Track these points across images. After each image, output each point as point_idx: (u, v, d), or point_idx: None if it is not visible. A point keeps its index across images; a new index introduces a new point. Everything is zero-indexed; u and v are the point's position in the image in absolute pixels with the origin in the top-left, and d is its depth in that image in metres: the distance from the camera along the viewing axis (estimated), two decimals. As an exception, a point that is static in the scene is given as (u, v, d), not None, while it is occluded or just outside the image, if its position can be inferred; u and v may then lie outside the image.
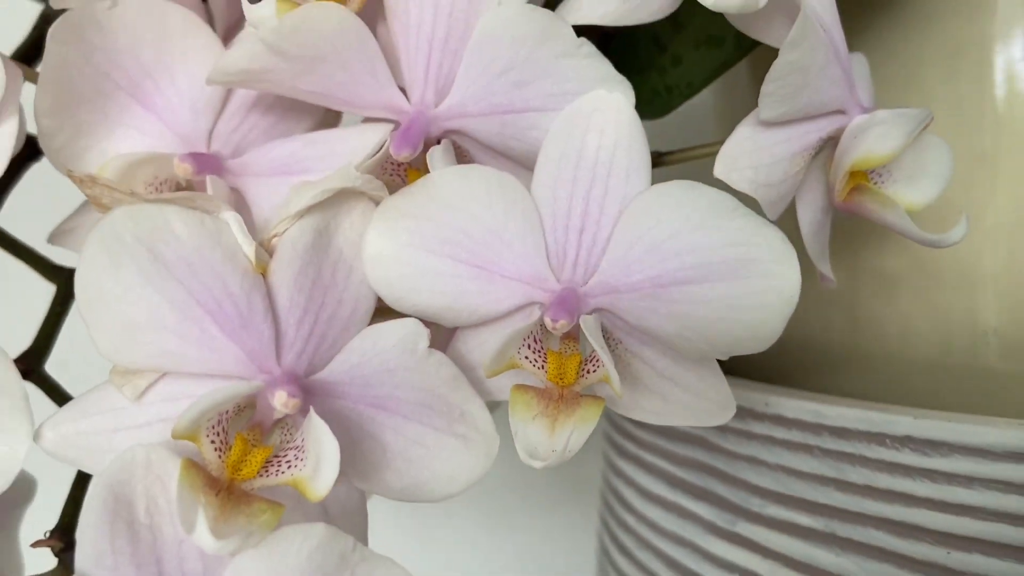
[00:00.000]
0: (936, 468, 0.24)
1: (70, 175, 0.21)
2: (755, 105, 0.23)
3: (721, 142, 0.24)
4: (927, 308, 0.32)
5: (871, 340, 0.33)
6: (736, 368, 0.29)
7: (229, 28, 0.27)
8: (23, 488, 0.30)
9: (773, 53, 0.22)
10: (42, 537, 0.23)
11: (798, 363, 0.35)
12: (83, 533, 0.18)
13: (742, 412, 0.29)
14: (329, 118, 0.27)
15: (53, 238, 0.26)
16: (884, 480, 0.25)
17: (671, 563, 0.32)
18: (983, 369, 0.31)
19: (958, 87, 0.31)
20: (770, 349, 0.29)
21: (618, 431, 0.37)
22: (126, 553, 0.18)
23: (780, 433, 0.27)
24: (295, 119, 0.26)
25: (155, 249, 0.20)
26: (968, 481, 0.24)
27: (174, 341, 0.20)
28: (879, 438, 0.25)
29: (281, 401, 0.19)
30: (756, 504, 0.28)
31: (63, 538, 0.23)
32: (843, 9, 0.25)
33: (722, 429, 0.29)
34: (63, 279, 0.27)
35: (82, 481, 0.24)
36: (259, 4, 0.22)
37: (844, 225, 0.30)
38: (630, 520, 0.35)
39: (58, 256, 0.27)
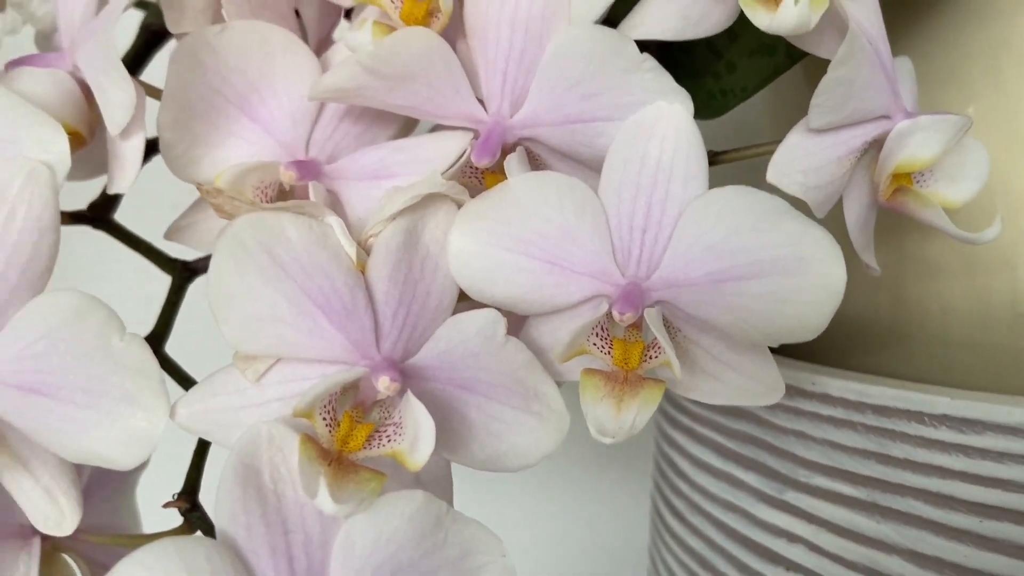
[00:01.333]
0: (970, 444, 0.26)
1: (198, 187, 0.24)
2: (805, 104, 0.25)
3: (772, 142, 0.26)
4: (968, 290, 0.33)
5: (915, 321, 0.35)
6: (788, 346, 0.32)
7: (320, 42, 0.30)
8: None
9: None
10: (170, 499, 0.26)
11: (847, 342, 0.37)
12: (220, 496, 0.21)
13: (790, 390, 0.31)
14: (410, 124, 0.29)
15: (169, 234, 0.30)
16: (922, 455, 0.27)
17: (722, 527, 0.34)
18: (1021, 349, 0.32)
19: (1000, 79, 0.32)
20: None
21: (671, 403, 0.40)
22: (256, 513, 0.21)
23: (826, 410, 0.30)
24: (381, 127, 0.28)
25: (273, 252, 0.23)
26: (1000, 456, 0.26)
27: (290, 332, 0.23)
28: (918, 416, 0.27)
29: (384, 385, 0.22)
30: (803, 475, 0.31)
31: (188, 500, 0.26)
32: (890, 9, 0.26)
33: (772, 406, 0.32)
34: (177, 270, 0.30)
35: (202, 450, 0.27)
36: (357, 31, 0.25)
37: (890, 213, 0.32)
38: (683, 486, 0.38)
39: (172, 250, 0.30)
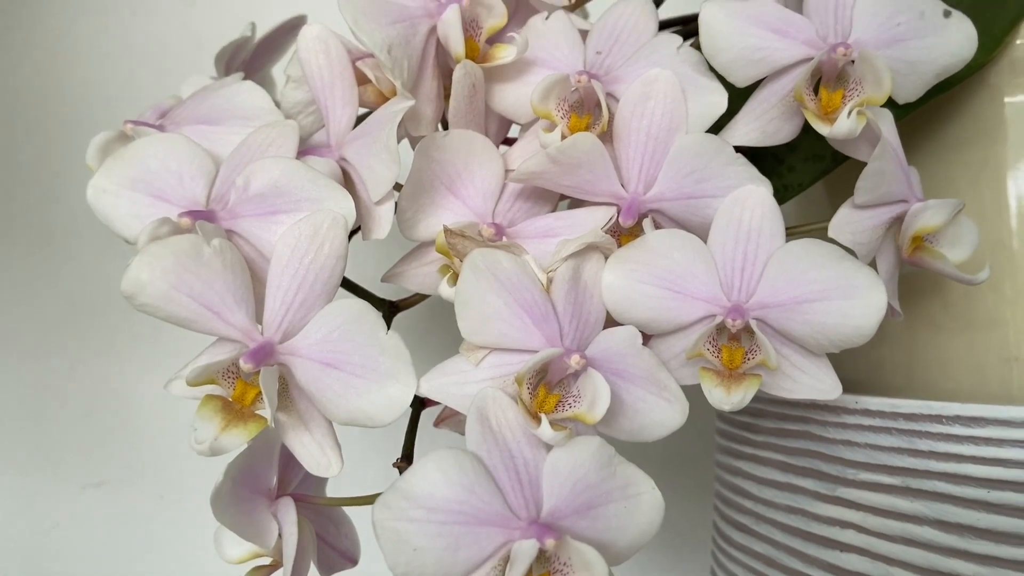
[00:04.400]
0: (977, 435, 0.36)
1: (445, 228, 0.35)
2: (830, 197, 0.36)
3: (818, 222, 0.37)
4: (964, 346, 0.44)
5: (921, 372, 0.45)
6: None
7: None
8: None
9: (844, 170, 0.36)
10: (395, 462, 0.36)
11: (870, 388, 0.47)
12: (468, 430, 0.31)
13: (838, 409, 0.41)
14: (557, 205, 0.41)
15: (386, 277, 0.40)
16: (942, 446, 0.37)
17: (785, 528, 0.43)
18: (1009, 396, 0.42)
19: (981, 193, 0.43)
20: (850, 383, 0.40)
21: (733, 439, 0.49)
22: (491, 442, 0.31)
23: (867, 421, 0.39)
24: (542, 205, 0.40)
25: (495, 272, 0.33)
26: (1000, 442, 0.35)
27: (507, 327, 0.33)
28: (937, 418, 0.37)
29: (575, 360, 0.32)
30: (851, 473, 0.40)
31: (408, 461, 0.36)
32: (901, 133, 0.38)
33: (823, 423, 0.41)
34: (386, 307, 0.40)
35: (413, 428, 0.37)
36: (549, 133, 0.36)
37: (903, 286, 0.42)
38: (747, 504, 0.47)
39: (380, 291, 0.41)
